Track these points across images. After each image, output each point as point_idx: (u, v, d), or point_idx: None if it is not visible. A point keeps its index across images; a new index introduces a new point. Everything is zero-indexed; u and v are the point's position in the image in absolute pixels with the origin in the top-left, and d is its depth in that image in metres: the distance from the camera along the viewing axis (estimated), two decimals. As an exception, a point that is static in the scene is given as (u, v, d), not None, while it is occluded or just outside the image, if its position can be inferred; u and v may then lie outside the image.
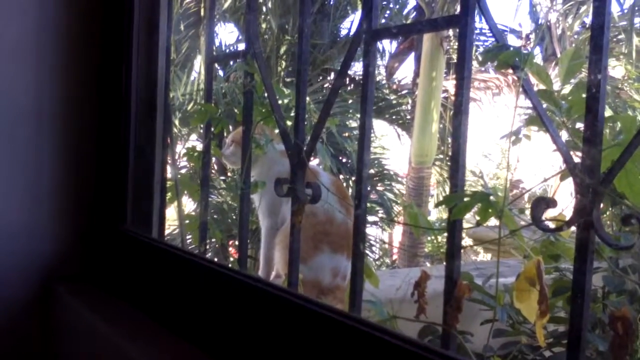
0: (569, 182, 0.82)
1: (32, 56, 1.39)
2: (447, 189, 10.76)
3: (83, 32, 1.44)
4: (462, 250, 0.92)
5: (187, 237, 1.90)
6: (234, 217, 7.39)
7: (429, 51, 6.39)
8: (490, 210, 0.90)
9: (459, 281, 0.89)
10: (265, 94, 1.38)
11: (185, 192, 1.68)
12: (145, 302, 1.31)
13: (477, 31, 9.41)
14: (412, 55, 7.84)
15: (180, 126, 7.56)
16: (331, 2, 8.39)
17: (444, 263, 0.92)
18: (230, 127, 2.79)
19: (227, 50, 8.03)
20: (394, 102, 9.24)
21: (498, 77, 8.75)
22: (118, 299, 1.38)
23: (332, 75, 8.77)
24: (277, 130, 1.52)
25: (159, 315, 1.25)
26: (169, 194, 1.64)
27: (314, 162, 2.22)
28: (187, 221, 1.70)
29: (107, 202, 1.44)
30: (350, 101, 9.08)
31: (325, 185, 1.46)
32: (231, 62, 8.39)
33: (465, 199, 0.90)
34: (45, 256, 1.42)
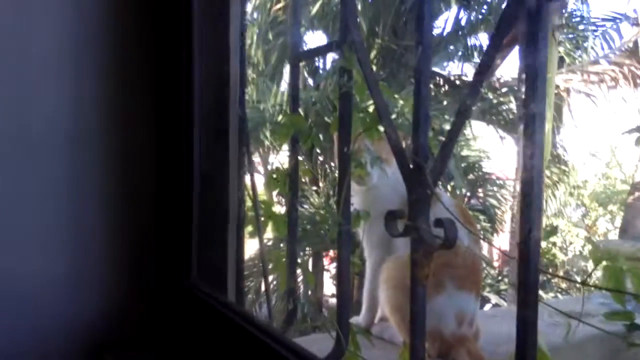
0: None
1: (70, 68, 1.13)
2: (557, 193, 9.90)
3: (134, 32, 1.15)
4: None
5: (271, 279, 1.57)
6: (327, 228, 7.10)
7: (539, 43, 5.78)
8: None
9: None
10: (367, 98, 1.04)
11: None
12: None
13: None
14: (517, 49, 7.21)
15: (271, 138, 7.40)
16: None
17: None
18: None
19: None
20: (495, 101, 8.59)
21: (613, 69, 7.87)
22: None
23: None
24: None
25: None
26: (248, 227, 1.32)
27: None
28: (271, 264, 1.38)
29: (167, 251, 1.14)
30: (445, 102, 8.55)
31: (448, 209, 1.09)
32: (320, 69, 8.13)
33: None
34: (93, 317, 1.16)
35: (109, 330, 1.17)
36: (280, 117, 7.04)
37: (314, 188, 7.75)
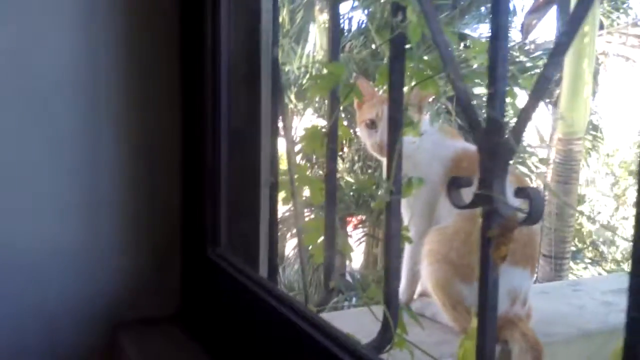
0: None
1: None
2: (590, 161, 9.56)
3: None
4: None
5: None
6: (352, 194, 6.95)
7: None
8: None
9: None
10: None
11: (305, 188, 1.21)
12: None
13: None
14: (554, 8, 6.84)
15: (296, 101, 7.22)
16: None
17: None
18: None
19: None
20: (529, 64, 8.25)
21: (655, 30, 7.47)
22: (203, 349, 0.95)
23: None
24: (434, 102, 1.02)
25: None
26: (281, 192, 1.18)
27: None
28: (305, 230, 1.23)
29: (192, 216, 1.00)
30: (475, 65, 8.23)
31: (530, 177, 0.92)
32: (346, 30, 7.85)
33: None
34: (108, 292, 1.04)
35: (124, 307, 1.05)
36: (305, 80, 6.86)
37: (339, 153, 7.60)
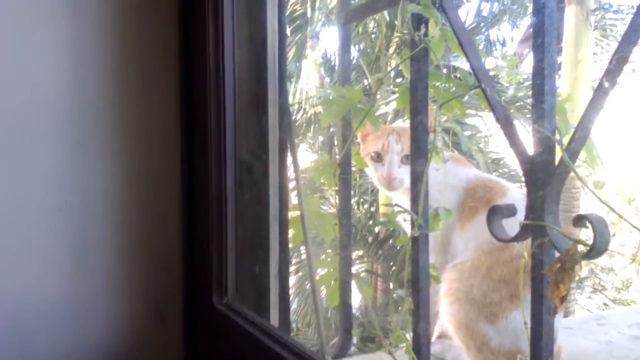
0: None
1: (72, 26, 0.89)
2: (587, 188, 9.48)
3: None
4: None
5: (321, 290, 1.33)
6: (364, 233, 6.82)
7: (573, 29, 5.46)
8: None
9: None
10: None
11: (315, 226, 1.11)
12: None
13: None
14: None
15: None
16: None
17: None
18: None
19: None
20: (520, 94, 8.27)
21: (646, 57, 7.52)
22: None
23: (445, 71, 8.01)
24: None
25: None
26: (291, 230, 1.08)
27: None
28: (320, 271, 1.13)
29: (196, 263, 0.90)
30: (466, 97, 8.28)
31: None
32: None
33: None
34: (106, 346, 0.92)
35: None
36: (300, 115, 6.82)
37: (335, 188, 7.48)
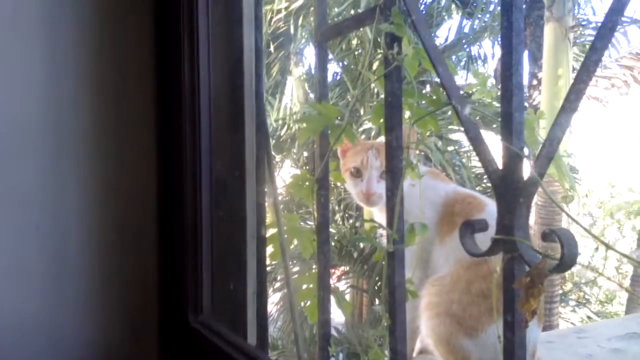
0: None
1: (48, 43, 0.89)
2: (573, 204, 9.60)
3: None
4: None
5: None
6: (334, 245, 6.81)
7: (552, 45, 5.55)
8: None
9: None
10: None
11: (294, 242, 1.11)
12: None
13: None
14: (526, 54, 7.00)
15: (274, 153, 7.17)
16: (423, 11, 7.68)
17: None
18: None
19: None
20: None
21: (624, 72, 7.65)
22: None
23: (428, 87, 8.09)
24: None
25: None
26: (269, 246, 1.08)
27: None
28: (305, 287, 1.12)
29: (171, 280, 0.89)
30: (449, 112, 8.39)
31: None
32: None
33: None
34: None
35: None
36: (284, 131, 6.83)
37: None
